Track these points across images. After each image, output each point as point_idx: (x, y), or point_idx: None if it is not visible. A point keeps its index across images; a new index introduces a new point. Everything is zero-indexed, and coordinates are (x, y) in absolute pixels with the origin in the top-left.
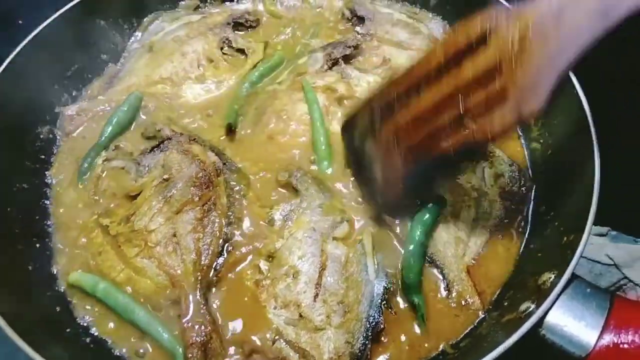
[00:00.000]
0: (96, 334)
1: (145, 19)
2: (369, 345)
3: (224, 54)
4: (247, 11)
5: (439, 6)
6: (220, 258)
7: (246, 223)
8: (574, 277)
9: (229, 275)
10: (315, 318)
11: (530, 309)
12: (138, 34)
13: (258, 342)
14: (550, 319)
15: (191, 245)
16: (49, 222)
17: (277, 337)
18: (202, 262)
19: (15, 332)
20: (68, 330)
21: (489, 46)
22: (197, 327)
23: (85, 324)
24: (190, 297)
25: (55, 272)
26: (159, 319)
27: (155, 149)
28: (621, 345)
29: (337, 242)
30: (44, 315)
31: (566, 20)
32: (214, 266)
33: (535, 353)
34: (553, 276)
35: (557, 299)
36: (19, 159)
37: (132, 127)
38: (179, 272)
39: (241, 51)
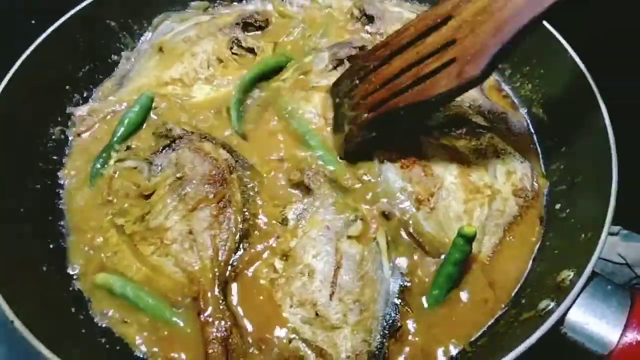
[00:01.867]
0: (112, 334)
1: (154, 20)
2: (386, 344)
3: (233, 54)
4: (257, 11)
5: None
6: (237, 254)
7: (261, 221)
8: (593, 274)
9: (245, 272)
10: (332, 317)
11: (550, 307)
12: (148, 34)
13: (275, 341)
14: (571, 317)
15: (208, 242)
16: (62, 223)
17: (293, 336)
18: (220, 259)
19: (30, 333)
20: (84, 330)
21: (449, 23)
22: (216, 322)
23: (101, 325)
24: (209, 293)
25: (70, 273)
26: (187, 319)
27: (166, 148)
28: None
29: (352, 240)
30: (59, 316)
31: (510, 2)
32: (231, 262)
33: (555, 351)
34: (572, 274)
35: (577, 296)
36: (31, 159)
37: (144, 127)
38: (196, 268)
39: (251, 51)
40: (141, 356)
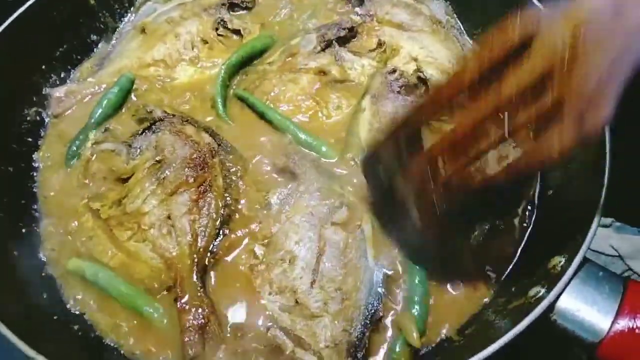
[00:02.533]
0: (85, 321)
1: (137, 1)
2: (367, 334)
3: (219, 35)
4: None
5: None
6: (217, 240)
7: (243, 206)
8: (585, 261)
9: (224, 258)
10: (312, 305)
11: (540, 294)
12: (130, 15)
13: (252, 329)
14: (562, 304)
15: (187, 227)
16: (35, 207)
17: (271, 324)
18: (199, 245)
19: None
20: (55, 317)
21: (534, 53)
22: (194, 310)
23: (74, 311)
24: (187, 280)
25: (43, 259)
26: (161, 307)
27: (146, 130)
28: (637, 330)
29: (336, 227)
30: (29, 303)
31: (629, 15)
32: (210, 248)
33: (545, 339)
34: (563, 260)
35: (568, 283)
36: (4, 141)
37: (123, 109)
38: (174, 254)
39: (237, 32)
40: (113, 345)
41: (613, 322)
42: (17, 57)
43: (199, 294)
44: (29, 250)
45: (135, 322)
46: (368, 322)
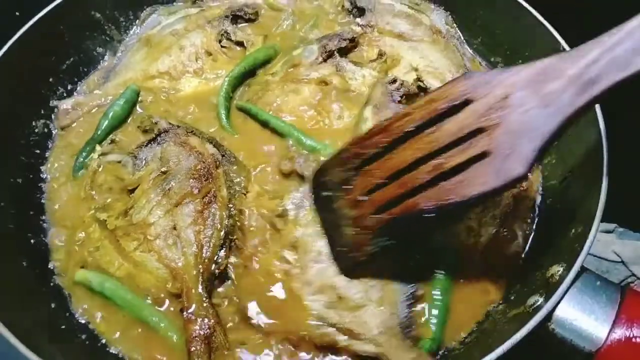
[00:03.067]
0: (92, 330)
1: (142, 13)
2: (412, 312)
3: (222, 47)
4: (246, 4)
5: None
6: (222, 251)
7: (254, 217)
8: (583, 270)
9: (254, 268)
10: (354, 296)
11: (539, 303)
12: (135, 28)
13: (303, 333)
14: (560, 313)
15: (192, 238)
16: (43, 218)
17: (320, 323)
18: (204, 255)
19: (8, 330)
20: (63, 327)
21: (468, 109)
22: (199, 320)
23: (82, 321)
24: (192, 290)
25: (51, 268)
26: (167, 317)
27: (152, 142)
28: (634, 339)
29: None
30: (38, 312)
31: (548, 89)
32: (215, 259)
33: (543, 348)
34: (562, 269)
35: (566, 292)
36: (13, 153)
37: (129, 120)
38: (179, 265)
39: (240, 44)
40: (120, 355)
41: (610, 331)
42: (25, 70)
43: (204, 304)
44: (37, 260)
45: (139, 330)
46: (410, 301)
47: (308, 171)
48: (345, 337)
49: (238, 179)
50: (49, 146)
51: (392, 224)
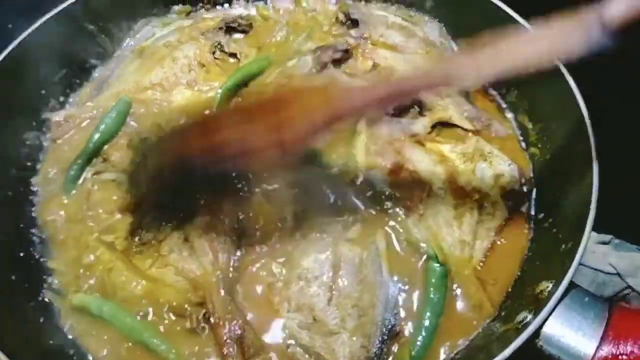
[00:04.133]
0: (80, 347)
1: (135, 25)
2: (384, 349)
3: (216, 58)
4: (240, 16)
5: (434, 9)
6: (237, 253)
7: (258, 224)
8: (572, 286)
9: (243, 276)
10: (330, 322)
11: (527, 319)
12: (128, 40)
13: (272, 346)
14: (547, 329)
15: (206, 247)
16: (33, 231)
17: (291, 342)
18: (221, 261)
19: None
20: (51, 342)
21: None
22: (227, 323)
23: (70, 336)
24: (215, 296)
25: (46, 286)
26: (167, 339)
27: None
28: (620, 357)
29: (351, 243)
30: (26, 326)
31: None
32: (232, 264)
33: None
34: (551, 285)
35: (554, 309)
36: (4, 165)
37: (120, 133)
38: (198, 274)
39: (234, 55)
40: None
41: (597, 348)
42: (17, 82)
43: (229, 307)
44: (26, 274)
45: (128, 346)
46: (385, 337)
47: (311, 185)
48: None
49: (240, 184)
50: (40, 158)
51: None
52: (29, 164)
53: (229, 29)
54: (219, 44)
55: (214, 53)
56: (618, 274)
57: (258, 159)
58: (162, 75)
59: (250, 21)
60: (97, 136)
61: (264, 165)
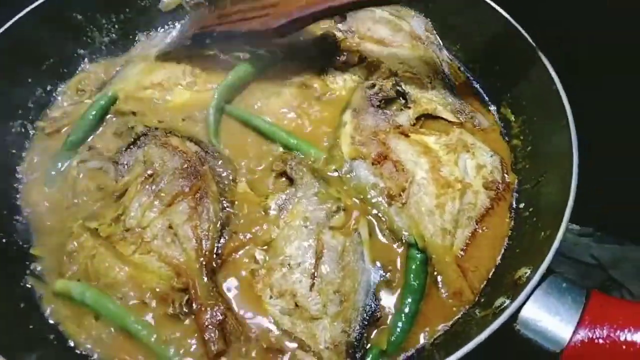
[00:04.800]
0: (61, 332)
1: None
2: (365, 334)
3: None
4: None
5: (421, 3)
6: (221, 241)
7: (242, 211)
8: (550, 272)
9: (226, 263)
10: (311, 307)
11: (505, 304)
12: (137, 45)
13: (255, 331)
14: (525, 313)
15: (190, 234)
16: (17, 218)
17: (272, 327)
18: (204, 248)
19: None
20: (31, 326)
21: None
22: (209, 309)
23: (51, 321)
24: (198, 282)
25: (28, 272)
26: (149, 324)
27: (131, 146)
28: (596, 341)
29: (334, 231)
30: (7, 311)
31: None
32: (215, 250)
33: (511, 349)
34: (529, 271)
35: (531, 293)
36: None
37: (102, 127)
38: (181, 260)
39: (237, 58)
40: (87, 354)
41: (574, 332)
42: (2, 70)
43: (212, 293)
44: (8, 260)
45: (111, 332)
46: (366, 322)
47: (298, 175)
48: (293, 345)
49: (225, 173)
50: (26, 146)
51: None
52: (13, 151)
53: None
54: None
55: (219, 57)
56: (600, 266)
57: (246, 25)
58: (162, 76)
59: None
60: (82, 124)
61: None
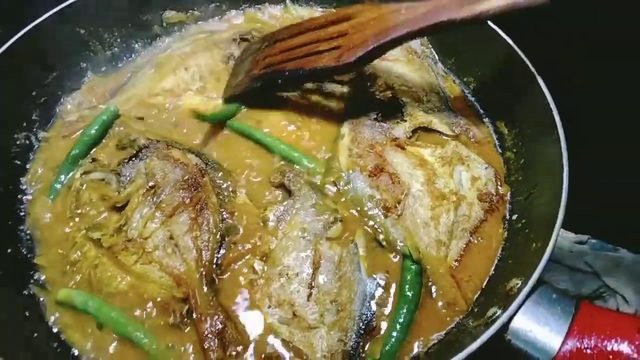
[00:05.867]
0: (64, 340)
1: (156, 39)
2: (361, 343)
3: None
4: (254, 28)
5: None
6: (220, 252)
7: (241, 222)
8: (540, 283)
9: (225, 273)
10: (309, 317)
11: (497, 315)
12: (145, 50)
13: (253, 340)
14: (515, 324)
15: (190, 244)
16: (22, 228)
17: (270, 336)
18: (204, 258)
19: None
20: (36, 334)
21: (350, 21)
22: (209, 318)
23: (54, 330)
24: (198, 292)
25: (29, 280)
26: (151, 331)
27: (133, 158)
28: (584, 350)
29: (331, 242)
30: (11, 319)
31: (402, 14)
32: (215, 261)
33: (503, 358)
34: (520, 282)
35: (522, 304)
36: None
37: (106, 139)
38: (182, 270)
39: None
40: None
41: (563, 343)
42: (9, 83)
43: (211, 303)
44: (13, 270)
45: (113, 340)
46: (362, 332)
47: (296, 187)
48: (290, 353)
49: (225, 185)
50: (30, 158)
51: (265, 76)
52: (18, 162)
53: (243, 40)
54: (232, 54)
55: (227, 63)
56: (594, 273)
57: (318, 62)
58: (173, 82)
59: (264, 34)
60: (82, 142)
61: (323, 69)
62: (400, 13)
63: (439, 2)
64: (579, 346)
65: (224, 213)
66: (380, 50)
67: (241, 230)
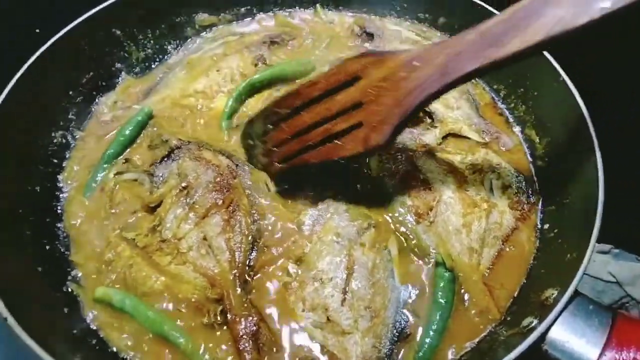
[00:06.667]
0: (103, 337)
1: (187, 40)
2: (395, 350)
3: (257, 69)
4: (284, 31)
5: (447, 25)
6: (252, 254)
7: (275, 226)
8: (576, 294)
9: (260, 275)
10: (343, 322)
11: (533, 324)
12: (177, 51)
13: (287, 343)
14: (553, 334)
15: (223, 246)
16: (59, 225)
17: (304, 340)
18: (237, 260)
19: (23, 331)
20: (75, 331)
21: (358, 84)
22: (243, 319)
23: (93, 327)
24: (232, 293)
25: (66, 277)
26: (186, 331)
27: (166, 159)
28: None
29: (364, 248)
30: (52, 316)
31: (416, 72)
32: (247, 262)
33: None
34: (556, 292)
35: (559, 315)
36: (32, 162)
37: (139, 140)
38: (216, 271)
39: None
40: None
41: (600, 355)
42: (47, 83)
43: (245, 304)
44: (52, 266)
45: (154, 342)
46: (396, 339)
47: (330, 191)
48: (325, 357)
49: (255, 186)
50: (66, 156)
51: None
52: (55, 160)
53: (272, 42)
54: (262, 56)
55: (256, 65)
56: (617, 283)
57: (344, 150)
58: (205, 83)
59: (294, 36)
60: (118, 142)
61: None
62: (411, 67)
63: (453, 47)
64: (617, 358)
65: (255, 215)
66: (407, 121)
67: (273, 233)
